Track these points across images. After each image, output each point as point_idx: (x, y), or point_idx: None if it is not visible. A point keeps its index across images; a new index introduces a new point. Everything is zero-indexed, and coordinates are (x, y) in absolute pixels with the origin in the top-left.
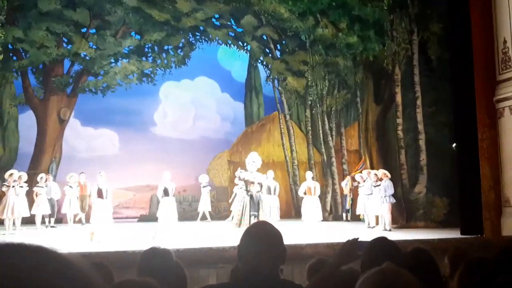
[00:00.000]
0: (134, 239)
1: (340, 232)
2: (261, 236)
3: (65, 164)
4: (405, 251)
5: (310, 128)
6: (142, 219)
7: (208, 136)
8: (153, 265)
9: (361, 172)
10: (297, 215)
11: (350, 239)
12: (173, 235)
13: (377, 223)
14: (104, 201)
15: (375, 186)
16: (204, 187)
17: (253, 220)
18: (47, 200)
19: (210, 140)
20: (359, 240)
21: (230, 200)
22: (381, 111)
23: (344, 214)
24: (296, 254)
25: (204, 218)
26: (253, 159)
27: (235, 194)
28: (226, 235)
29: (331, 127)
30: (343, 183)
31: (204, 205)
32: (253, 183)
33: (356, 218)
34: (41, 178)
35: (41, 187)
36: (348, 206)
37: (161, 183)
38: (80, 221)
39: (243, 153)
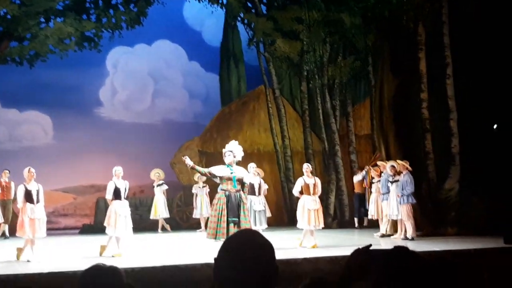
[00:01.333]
0: (74, 256)
1: (347, 243)
2: (244, 250)
3: None
4: (429, 265)
5: (307, 107)
6: (86, 230)
7: (172, 119)
8: None
9: (375, 164)
10: (291, 221)
11: (361, 247)
12: (127, 249)
13: (395, 231)
14: (34, 206)
15: (391, 182)
16: (158, 186)
17: (233, 229)
18: None
19: (174, 124)
20: (371, 248)
21: (194, 204)
22: (400, 84)
23: (356, 219)
24: (291, 272)
25: (164, 228)
26: (231, 149)
27: (195, 195)
28: (197, 249)
29: (335, 106)
30: (356, 178)
31: (160, 211)
32: (230, 179)
33: (372, 224)
34: None
35: None
36: (364, 207)
37: (110, 182)
38: (3, 234)
39: (218, 141)
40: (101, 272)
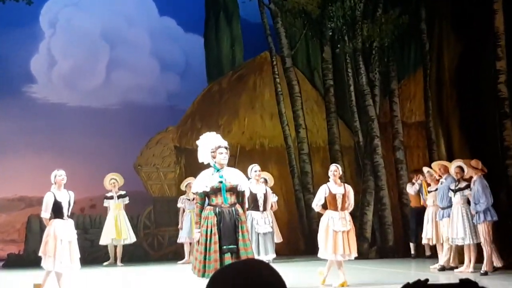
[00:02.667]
0: None
1: (391, 279)
2: (246, 286)
3: None
4: None
5: (332, 82)
6: (12, 262)
7: (135, 101)
8: None
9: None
10: (310, 248)
11: (415, 280)
12: None
13: (460, 262)
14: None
15: (455, 191)
16: (119, 197)
17: (228, 261)
18: None
19: (139, 108)
20: (429, 283)
21: (179, 224)
22: (466, 49)
23: (412, 245)
24: None
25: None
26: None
27: (182, 210)
28: None
29: (373, 81)
30: (411, 188)
31: (124, 233)
32: (218, 190)
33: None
34: None
35: None
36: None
37: (48, 194)
38: None
39: (203, 133)
40: None
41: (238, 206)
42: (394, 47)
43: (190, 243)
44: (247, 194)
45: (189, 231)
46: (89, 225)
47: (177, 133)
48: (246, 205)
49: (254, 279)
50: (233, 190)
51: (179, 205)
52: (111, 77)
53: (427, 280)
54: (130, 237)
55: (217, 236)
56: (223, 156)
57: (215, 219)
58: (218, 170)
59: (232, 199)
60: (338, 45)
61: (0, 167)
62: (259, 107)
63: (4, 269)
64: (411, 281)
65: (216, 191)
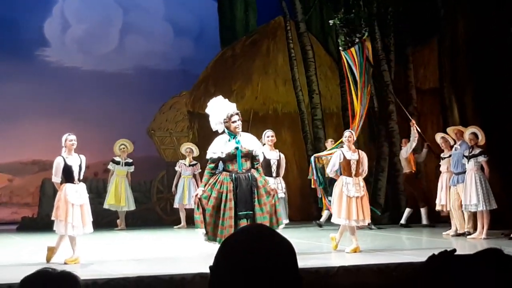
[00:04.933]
0: (10, 263)
1: (404, 245)
2: (253, 255)
3: None
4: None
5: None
6: (26, 225)
7: (149, 65)
8: None
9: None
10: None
11: (442, 251)
12: (85, 253)
13: (475, 228)
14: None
15: (468, 157)
16: (117, 163)
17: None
18: None
19: (153, 73)
20: (456, 254)
21: (173, 188)
22: (482, 16)
23: (423, 212)
24: (324, 285)
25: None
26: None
27: (179, 174)
28: (187, 253)
29: (388, 46)
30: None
31: (112, 198)
32: (233, 157)
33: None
34: None
35: None
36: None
37: (58, 158)
38: None
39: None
40: (49, 280)
41: (253, 171)
42: (409, 12)
43: (185, 208)
44: (261, 159)
45: (181, 197)
46: (102, 189)
47: (190, 98)
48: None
49: (262, 243)
50: (248, 155)
51: (176, 168)
52: (124, 42)
53: (453, 250)
54: (128, 205)
55: (233, 202)
56: (237, 124)
57: (231, 185)
58: (234, 137)
59: (247, 164)
60: (353, 10)
61: (13, 131)
62: (273, 73)
63: (18, 232)
64: (423, 247)
65: (232, 157)
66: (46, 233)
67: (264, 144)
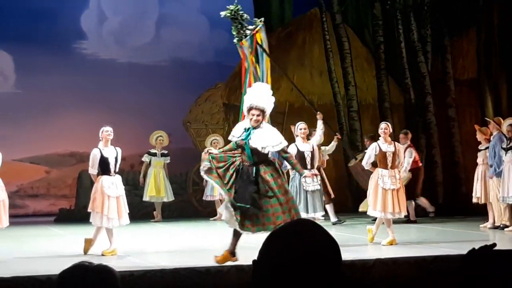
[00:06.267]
0: (48, 254)
1: (440, 238)
2: (297, 250)
3: None
4: None
5: (382, 39)
6: (63, 217)
7: (184, 57)
8: None
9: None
10: (358, 205)
11: (482, 245)
12: (122, 245)
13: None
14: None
15: (506, 149)
16: (153, 155)
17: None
18: None
19: (189, 65)
20: (495, 249)
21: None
22: None
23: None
24: (359, 279)
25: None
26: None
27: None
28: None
29: (424, 37)
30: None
31: (152, 190)
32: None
33: (480, 210)
34: None
35: None
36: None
37: (95, 150)
38: None
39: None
40: (86, 274)
41: (263, 165)
42: (446, 3)
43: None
44: (293, 153)
45: (211, 188)
46: (138, 181)
47: (225, 90)
48: (293, 163)
49: (306, 238)
50: (257, 151)
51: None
52: (160, 34)
53: (493, 245)
54: (168, 196)
55: (233, 190)
56: (253, 119)
57: (236, 168)
58: (251, 128)
59: (258, 157)
60: (389, 1)
61: (51, 123)
62: (308, 64)
63: (56, 224)
64: (460, 239)
65: (241, 146)
66: (83, 225)
67: (297, 136)
